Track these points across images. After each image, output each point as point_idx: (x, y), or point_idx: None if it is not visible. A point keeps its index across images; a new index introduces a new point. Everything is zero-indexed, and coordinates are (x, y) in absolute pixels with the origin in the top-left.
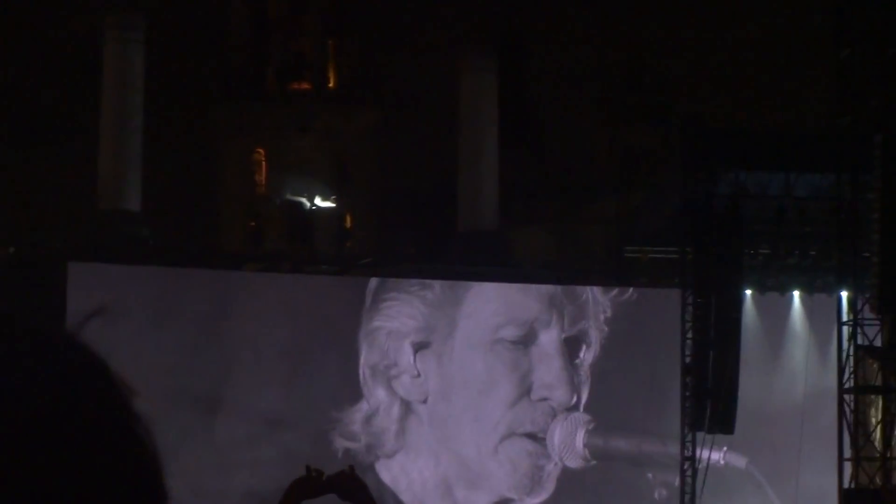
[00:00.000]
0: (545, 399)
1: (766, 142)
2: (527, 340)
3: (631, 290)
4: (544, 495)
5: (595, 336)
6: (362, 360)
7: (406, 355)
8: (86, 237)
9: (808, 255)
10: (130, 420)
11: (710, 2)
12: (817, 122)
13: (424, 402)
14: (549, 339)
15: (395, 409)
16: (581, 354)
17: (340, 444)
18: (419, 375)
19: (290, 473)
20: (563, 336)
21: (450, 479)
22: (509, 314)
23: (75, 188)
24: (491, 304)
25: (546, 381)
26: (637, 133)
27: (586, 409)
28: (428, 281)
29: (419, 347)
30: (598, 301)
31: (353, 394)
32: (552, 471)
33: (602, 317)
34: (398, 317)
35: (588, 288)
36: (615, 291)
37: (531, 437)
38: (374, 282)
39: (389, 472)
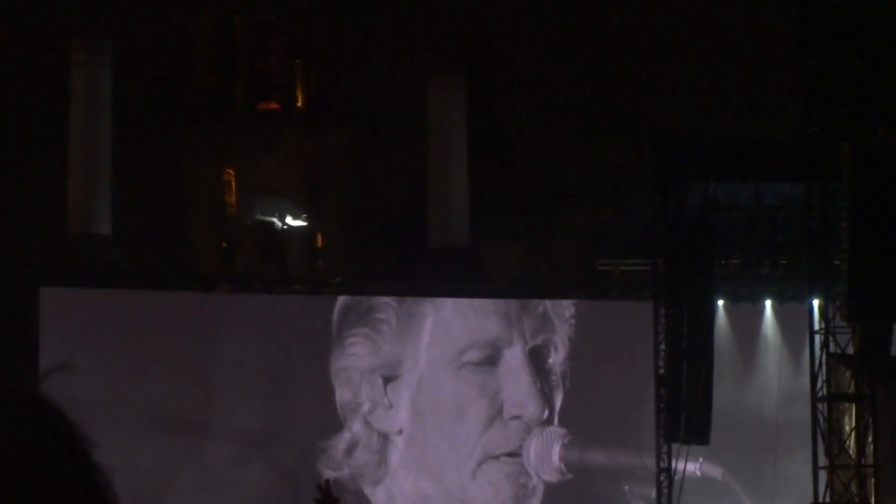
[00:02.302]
0: (518, 417)
1: (735, 152)
2: (492, 360)
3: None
4: None
5: (562, 342)
6: (337, 398)
7: (377, 389)
8: (57, 262)
9: (780, 265)
10: (90, 471)
11: (679, 14)
12: (786, 132)
13: (400, 432)
14: (514, 355)
15: (374, 442)
16: (549, 360)
17: (327, 474)
18: (392, 406)
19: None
20: (528, 349)
21: (436, 502)
22: (470, 338)
23: (45, 213)
24: (450, 332)
25: (516, 398)
26: (607, 146)
27: (562, 422)
28: (384, 315)
29: (388, 380)
30: (559, 311)
31: (334, 421)
32: (535, 487)
33: (567, 325)
34: (361, 354)
35: (544, 302)
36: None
37: (509, 456)
38: (336, 318)
39: (375, 501)
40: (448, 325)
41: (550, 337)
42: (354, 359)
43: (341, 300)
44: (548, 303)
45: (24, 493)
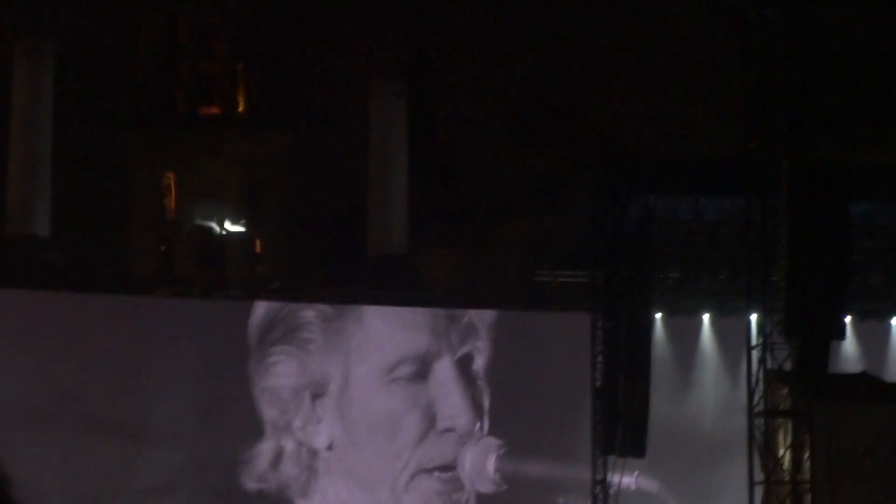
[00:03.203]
0: (450, 429)
1: (675, 166)
2: (422, 374)
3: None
4: None
5: (484, 344)
6: (265, 416)
7: (306, 406)
8: None
9: (718, 279)
10: None
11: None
12: (726, 148)
13: (330, 448)
14: (443, 368)
15: (303, 456)
16: (474, 365)
17: (251, 485)
18: (321, 422)
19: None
20: (455, 360)
21: None
22: (398, 352)
23: None
24: (379, 347)
25: (448, 411)
26: (547, 157)
27: (497, 433)
28: (309, 333)
29: (316, 397)
30: (481, 316)
31: (258, 431)
32: (467, 500)
33: (486, 325)
34: (287, 374)
35: (468, 310)
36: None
37: (441, 469)
38: (253, 335)
39: None
40: (377, 340)
41: (475, 343)
42: (280, 378)
43: (260, 313)
44: (472, 312)
45: None
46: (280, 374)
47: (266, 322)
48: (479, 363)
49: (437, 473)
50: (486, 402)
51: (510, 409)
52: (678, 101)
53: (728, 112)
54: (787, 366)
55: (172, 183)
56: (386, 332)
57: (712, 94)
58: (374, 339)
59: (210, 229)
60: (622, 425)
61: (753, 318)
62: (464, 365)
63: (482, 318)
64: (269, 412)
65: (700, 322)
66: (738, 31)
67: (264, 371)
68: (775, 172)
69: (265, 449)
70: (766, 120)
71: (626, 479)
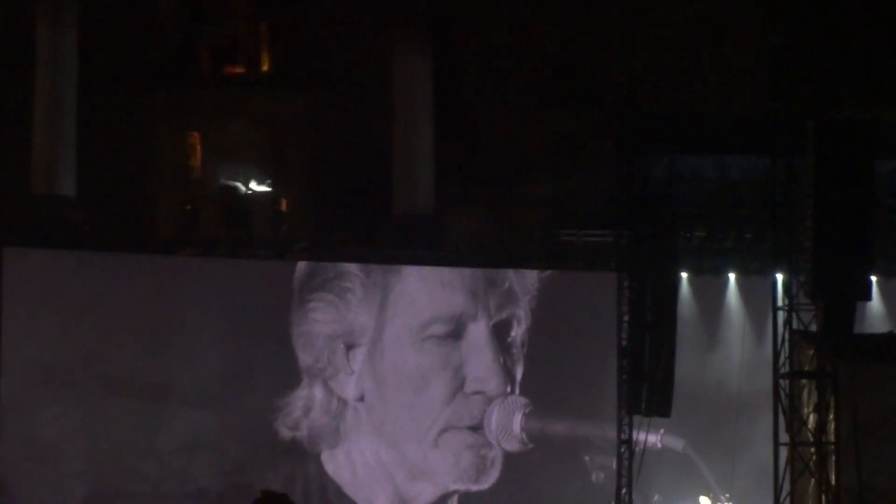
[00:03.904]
0: (479, 392)
1: (699, 126)
2: (456, 334)
3: (549, 272)
4: (489, 482)
5: (524, 313)
6: (299, 361)
7: (339, 355)
8: (20, 223)
9: (743, 238)
10: None
11: None
12: (751, 107)
13: (361, 399)
14: (478, 330)
15: (333, 406)
16: (512, 333)
17: (285, 433)
18: (353, 373)
19: (232, 461)
20: (492, 324)
21: (393, 472)
22: (434, 311)
23: (9, 174)
24: (415, 303)
25: (478, 374)
26: (571, 117)
27: (524, 392)
28: (350, 283)
29: (350, 347)
30: (524, 284)
31: (294, 380)
32: (495, 458)
33: (529, 296)
34: (325, 320)
35: (510, 274)
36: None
37: (470, 429)
38: (298, 280)
39: (333, 463)
40: (414, 296)
41: (514, 311)
42: (317, 324)
43: (304, 263)
44: (513, 277)
45: None
46: (317, 320)
47: (310, 271)
48: (517, 331)
49: (466, 431)
50: (519, 372)
51: (536, 368)
52: (702, 60)
53: (752, 71)
54: (813, 327)
55: (197, 142)
56: (423, 289)
57: (736, 53)
58: (411, 295)
59: (235, 189)
60: (648, 385)
61: (779, 277)
62: (499, 330)
63: (524, 285)
64: (304, 358)
65: (726, 281)
66: None
67: (303, 316)
68: (800, 131)
69: (299, 396)
70: (791, 78)
71: (651, 437)
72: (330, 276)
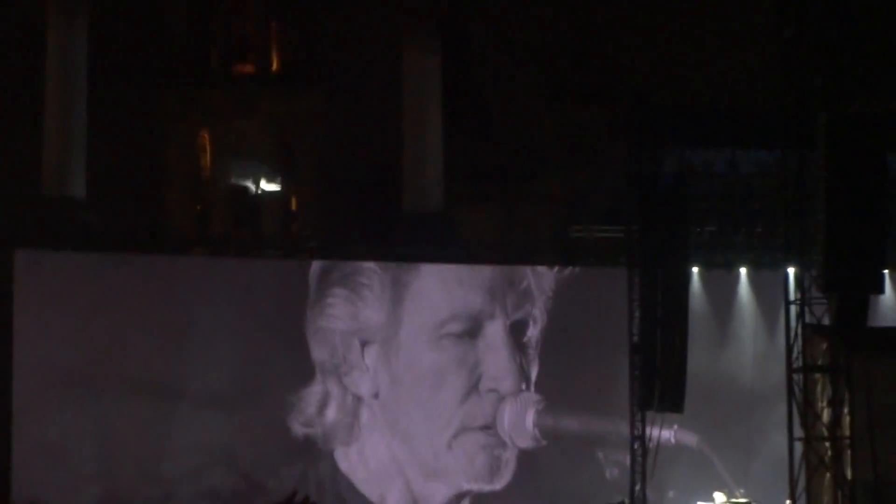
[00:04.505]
0: (494, 390)
1: (710, 119)
2: (472, 332)
3: (570, 268)
4: (503, 483)
5: (540, 313)
6: (313, 357)
7: (354, 351)
8: (31, 224)
9: (755, 232)
10: None
11: None
12: (762, 100)
13: (376, 396)
14: (495, 329)
15: (348, 402)
16: (528, 333)
17: (299, 430)
18: (368, 370)
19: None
20: (509, 324)
21: (406, 471)
22: (452, 309)
23: (19, 175)
24: (432, 301)
25: (494, 373)
26: (582, 111)
27: (535, 389)
28: (366, 280)
29: (366, 344)
30: (541, 284)
31: (307, 377)
32: (510, 458)
33: (545, 297)
34: (341, 316)
35: (528, 274)
36: (557, 268)
37: (484, 428)
38: (314, 276)
39: (347, 460)
40: (430, 294)
41: (530, 310)
42: (334, 320)
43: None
44: (531, 276)
45: None
46: (334, 315)
47: (327, 267)
48: (532, 332)
49: (481, 431)
50: (534, 372)
51: (547, 364)
52: (712, 54)
53: (763, 64)
54: (826, 320)
55: (207, 142)
56: (441, 286)
57: (747, 46)
58: (428, 293)
59: (245, 188)
60: (660, 381)
61: (791, 271)
62: (516, 330)
63: (541, 285)
64: (318, 354)
65: (737, 276)
66: None
67: (319, 311)
68: (812, 125)
69: (313, 392)
70: (802, 71)
71: (665, 433)
72: (347, 272)
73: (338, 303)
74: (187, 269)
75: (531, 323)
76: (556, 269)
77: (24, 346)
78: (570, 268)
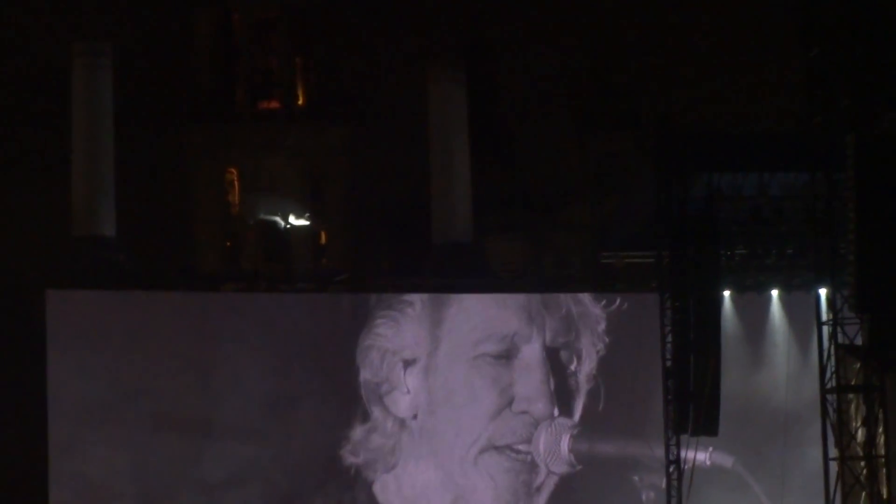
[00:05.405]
0: (525, 412)
1: (738, 143)
2: (509, 354)
3: (619, 299)
4: None
5: (589, 347)
6: (360, 378)
7: (397, 372)
8: (62, 264)
9: (786, 254)
10: None
11: (681, 5)
12: (789, 123)
13: (414, 417)
14: (531, 352)
15: (390, 426)
16: (573, 366)
17: (347, 458)
18: (409, 392)
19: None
20: (546, 347)
21: (439, 493)
22: (489, 329)
23: (49, 215)
24: (471, 321)
25: (526, 394)
26: (609, 139)
27: (569, 413)
28: (408, 297)
29: (408, 364)
30: (587, 313)
31: (342, 407)
32: (543, 483)
33: (598, 328)
34: (387, 335)
35: (569, 301)
36: (604, 301)
37: (511, 449)
38: (372, 301)
39: (385, 491)
40: (469, 314)
41: (572, 342)
42: (380, 339)
43: None
44: (572, 306)
45: None
46: (380, 335)
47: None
48: (580, 366)
49: (507, 452)
50: (579, 406)
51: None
52: (740, 78)
53: (791, 88)
54: (858, 340)
55: (235, 178)
56: (480, 308)
57: (774, 70)
58: (467, 314)
59: (274, 223)
60: (694, 404)
61: (822, 292)
62: (554, 356)
63: (587, 319)
64: (364, 374)
65: (769, 298)
66: (798, 5)
67: (368, 332)
68: (840, 146)
69: (356, 424)
70: (829, 94)
71: (700, 455)
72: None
73: (385, 322)
74: (218, 305)
75: (576, 356)
76: (603, 302)
77: (59, 384)
78: (614, 302)
